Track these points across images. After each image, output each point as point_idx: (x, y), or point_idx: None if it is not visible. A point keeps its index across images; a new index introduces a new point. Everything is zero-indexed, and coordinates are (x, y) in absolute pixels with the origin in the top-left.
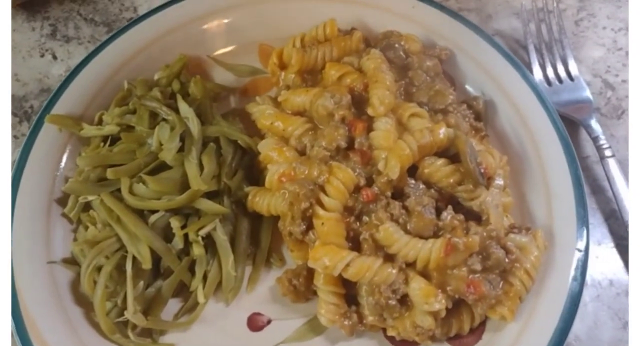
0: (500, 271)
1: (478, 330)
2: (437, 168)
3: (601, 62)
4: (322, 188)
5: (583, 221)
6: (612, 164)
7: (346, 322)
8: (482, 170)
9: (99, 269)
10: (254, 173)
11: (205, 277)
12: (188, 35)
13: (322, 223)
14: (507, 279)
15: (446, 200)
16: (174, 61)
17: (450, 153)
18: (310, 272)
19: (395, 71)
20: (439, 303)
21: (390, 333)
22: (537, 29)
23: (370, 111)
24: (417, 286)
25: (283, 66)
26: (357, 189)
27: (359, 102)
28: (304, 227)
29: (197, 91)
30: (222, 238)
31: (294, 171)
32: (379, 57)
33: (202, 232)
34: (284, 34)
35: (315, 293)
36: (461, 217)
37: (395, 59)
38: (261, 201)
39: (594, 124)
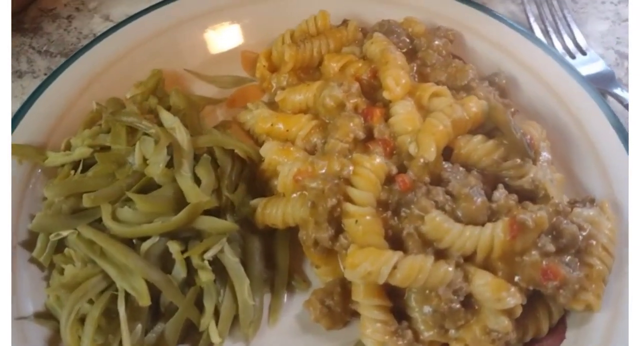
0: (574, 252)
1: (558, 328)
2: (476, 146)
3: (609, 35)
4: (348, 182)
5: None
6: None
7: (400, 342)
8: (529, 141)
9: (82, 319)
10: (258, 187)
11: (217, 312)
12: (159, 48)
13: (356, 222)
14: (584, 260)
15: (490, 182)
16: (148, 77)
17: (485, 129)
18: (345, 288)
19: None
20: (514, 298)
21: None
22: (539, 9)
23: (386, 94)
24: (483, 282)
25: (273, 68)
26: (389, 180)
27: (368, 92)
28: (332, 231)
29: (179, 102)
30: (232, 260)
31: (312, 167)
32: (384, 39)
33: (208, 255)
34: (268, 37)
35: (354, 313)
36: (515, 196)
37: (399, 44)
38: (274, 211)
39: (622, 93)
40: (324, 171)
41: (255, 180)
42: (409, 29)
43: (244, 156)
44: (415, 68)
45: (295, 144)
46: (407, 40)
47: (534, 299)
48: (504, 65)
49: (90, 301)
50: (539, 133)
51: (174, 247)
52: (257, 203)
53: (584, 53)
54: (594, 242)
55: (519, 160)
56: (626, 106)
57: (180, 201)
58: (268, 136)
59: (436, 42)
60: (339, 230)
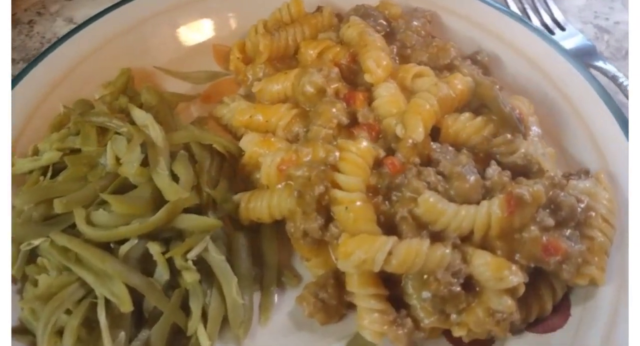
0: (574, 225)
1: (562, 306)
2: (464, 124)
3: (587, 10)
4: (335, 168)
5: None
6: None
7: (399, 331)
8: (518, 115)
9: (60, 332)
10: (240, 183)
11: (205, 314)
12: (126, 46)
13: (346, 208)
14: (584, 233)
15: (481, 160)
16: (116, 76)
17: (472, 107)
18: (339, 279)
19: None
20: (516, 276)
21: (458, 333)
22: None
23: (367, 77)
24: (483, 261)
25: (248, 60)
26: (377, 164)
27: (349, 77)
28: (322, 221)
29: (151, 99)
30: (218, 258)
31: (296, 155)
32: (361, 22)
33: (192, 254)
34: (240, 29)
35: (350, 305)
36: (508, 173)
37: (377, 27)
38: (259, 204)
39: (606, 65)
40: (308, 158)
41: (236, 175)
42: (385, 11)
43: (223, 151)
44: (395, 50)
45: (276, 135)
46: (384, 23)
47: (536, 277)
48: (484, 44)
49: (68, 312)
50: (527, 108)
51: (155, 248)
52: (240, 197)
53: (562, 28)
54: (593, 214)
55: (509, 136)
56: (611, 78)
57: (158, 200)
58: (247, 129)
59: (415, 23)
60: (328, 219)
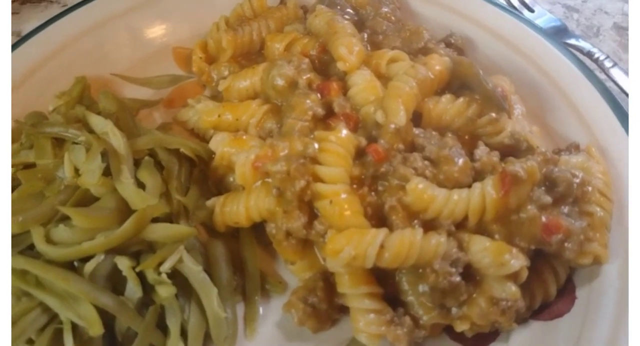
0: (572, 201)
1: (567, 289)
2: (446, 106)
3: None
4: (315, 161)
5: None
6: (618, 73)
7: (399, 331)
8: (501, 93)
9: None
10: (212, 188)
11: (184, 331)
12: (80, 54)
13: (331, 202)
14: (582, 209)
15: (467, 144)
16: (71, 85)
17: (452, 89)
18: (328, 281)
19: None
20: (517, 259)
21: (460, 327)
22: None
23: (340, 65)
24: (481, 247)
25: (211, 60)
26: (360, 154)
27: (320, 68)
28: (305, 219)
29: (109, 105)
30: (195, 269)
31: (272, 149)
32: (328, 10)
33: (165, 267)
34: (200, 30)
35: (342, 309)
36: (497, 153)
37: (345, 16)
38: (235, 208)
39: (579, 43)
40: (285, 153)
41: (208, 180)
42: (352, 0)
43: (192, 154)
44: (366, 37)
45: (248, 133)
46: (352, 11)
47: (537, 261)
48: (456, 27)
49: (30, 342)
50: (509, 86)
51: (124, 263)
52: (214, 202)
53: (531, 10)
54: (590, 188)
55: (494, 115)
56: (586, 54)
57: (124, 212)
58: (216, 130)
59: (384, 10)
60: (312, 216)
